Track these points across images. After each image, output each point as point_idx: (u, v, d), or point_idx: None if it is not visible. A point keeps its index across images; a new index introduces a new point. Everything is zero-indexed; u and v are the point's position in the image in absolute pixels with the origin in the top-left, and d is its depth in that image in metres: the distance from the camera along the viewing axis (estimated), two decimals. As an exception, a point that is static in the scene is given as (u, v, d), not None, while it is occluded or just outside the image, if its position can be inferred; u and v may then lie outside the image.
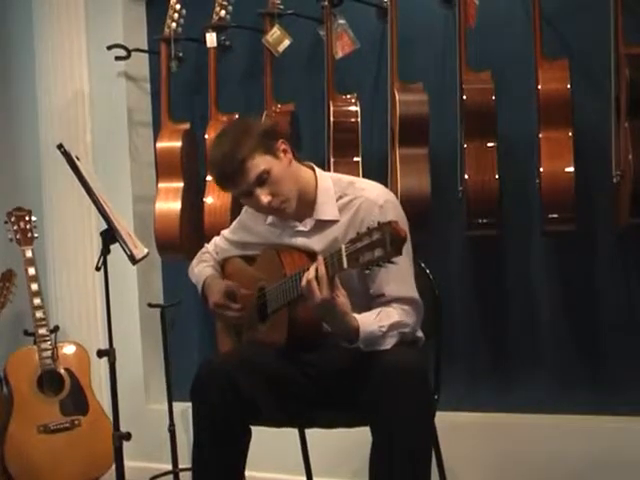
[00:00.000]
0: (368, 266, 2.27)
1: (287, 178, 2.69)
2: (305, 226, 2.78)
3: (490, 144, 3.45)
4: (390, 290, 2.65)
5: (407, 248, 2.67)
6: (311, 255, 2.72)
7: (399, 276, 2.62)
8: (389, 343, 2.57)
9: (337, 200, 2.75)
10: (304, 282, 2.45)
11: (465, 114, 3.46)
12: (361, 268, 2.31)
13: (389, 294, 2.65)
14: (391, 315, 2.60)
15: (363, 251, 2.26)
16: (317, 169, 2.83)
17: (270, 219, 2.87)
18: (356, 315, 2.54)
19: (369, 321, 2.56)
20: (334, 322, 2.53)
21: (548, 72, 3.35)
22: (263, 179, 2.65)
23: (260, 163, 2.64)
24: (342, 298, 2.46)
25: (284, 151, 2.71)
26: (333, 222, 2.74)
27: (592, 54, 3.50)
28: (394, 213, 2.69)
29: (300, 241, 2.78)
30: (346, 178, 2.84)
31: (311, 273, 2.43)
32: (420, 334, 2.78)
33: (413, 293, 2.70)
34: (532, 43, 3.41)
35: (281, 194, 2.68)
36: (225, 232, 3.12)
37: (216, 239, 3.15)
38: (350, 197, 2.74)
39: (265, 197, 2.66)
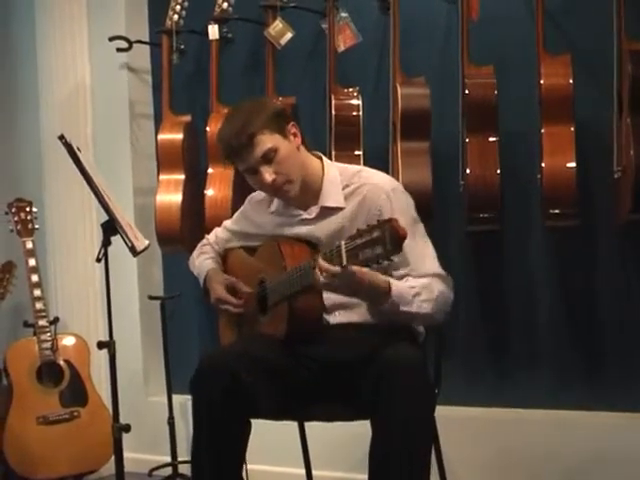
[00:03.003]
0: (367, 263, 2.28)
1: (293, 160, 2.70)
2: (310, 214, 2.78)
3: (492, 139, 3.45)
4: (412, 270, 2.64)
5: (421, 229, 2.71)
6: (312, 246, 2.72)
7: (416, 255, 2.64)
8: (424, 308, 2.57)
9: (343, 189, 2.75)
10: (318, 283, 2.45)
11: (467, 108, 3.46)
12: (360, 265, 2.32)
13: (413, 272, 2.64)
14: (420, 280, 2.61)
15: (362, 248, 2.26)
16: (325, 159, 2.85)
17: (274, 207, 2.87)
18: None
19: (399, 282, 2.56)
20: (364, 294, 2.53)
21: (550, 67, 3.35)
22: (270, 157, 2.66)
23: (269, 140, 2.66)
24: (359, 274, 2.42)
25: (294, 134, 2.73)
26: (338, 209, 2.74)
27: (595, 50, 3.50)
28: (401, 200, 2.71)
29: (304, 229, 2.78)
30: (353, 167, 2.85)
31: (319, 276, 2.43)
32: (421, 329, 2.79)
33: (436, 268, 2.69)
34: (535, 38, 3.41)
35: (286, 174, 2.68)
36: (227, 223, 3.12)
37: (217, 230, 3.15)
38: (356, 185, 2.74)
39: (269, 175, 2.67)
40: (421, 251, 2.68)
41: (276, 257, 2.72)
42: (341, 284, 2.44)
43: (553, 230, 3.51)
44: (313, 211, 2.78)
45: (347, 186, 2.76)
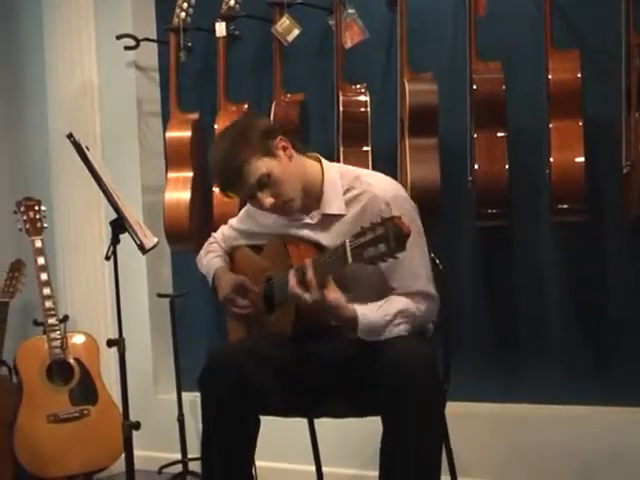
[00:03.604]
0: (372, 261, 2.27)
1: (289, 177, 2.66)
2: (312, 219, 2.76)
3: (500, 134, 3.45)
4: (401, 286, 2.63)
5: (420, 241, 2.67)
6: (318, 245, 2.71)
7: (410, 270, 2.61)
8: (396, 332, 2.56)
9: (344, 193, 2.71)
10: (289, 292, 2.48)
11: (475, 104, 3.46)
12: (365, 263, 2.31)
13: (401, 288, 2.63)
14: (396, 303, 2.58)
15: (367, 246, 2.25)
16: (323, 160, 2.80)
17: (277, 210, 2.86)
18: (357, 306, 2.53)
19: (371, 311, 2.55)
20: (330, 317, 2.54)
21: (558, 62, 3.35)
22: (263, 182, 2.63)
23: (259, 167, 2.62)
24: (333, 294, 2.46)
25: (283, 148, 2.67)
26: (340, 216, 2.71)
27: (603, 44, 3.49)
28: (402, 207, 2.65)
29: (306, 233, 2.76)
30: (353, 171, 2.79)
31: (292, 281, 2.47)
32: (430, 325, 2.78)
33: (426, 287, 2.66)
34: (542, 33, 3.40)
35: (284, 194, 2.65)
36: (232, 221, 3.11)
37: (223, 228, 3.14)
38: (357, 191, 2.70)
39: (268, 199, 2.65)
40: (416, 269, 2.64)
41: (282, 256, 2.72)
42: (311, 302, 2.46)
43: (561, 225, 3.50)
44: (315, 216, 2.75)
45: (348, 190, 2.71)
